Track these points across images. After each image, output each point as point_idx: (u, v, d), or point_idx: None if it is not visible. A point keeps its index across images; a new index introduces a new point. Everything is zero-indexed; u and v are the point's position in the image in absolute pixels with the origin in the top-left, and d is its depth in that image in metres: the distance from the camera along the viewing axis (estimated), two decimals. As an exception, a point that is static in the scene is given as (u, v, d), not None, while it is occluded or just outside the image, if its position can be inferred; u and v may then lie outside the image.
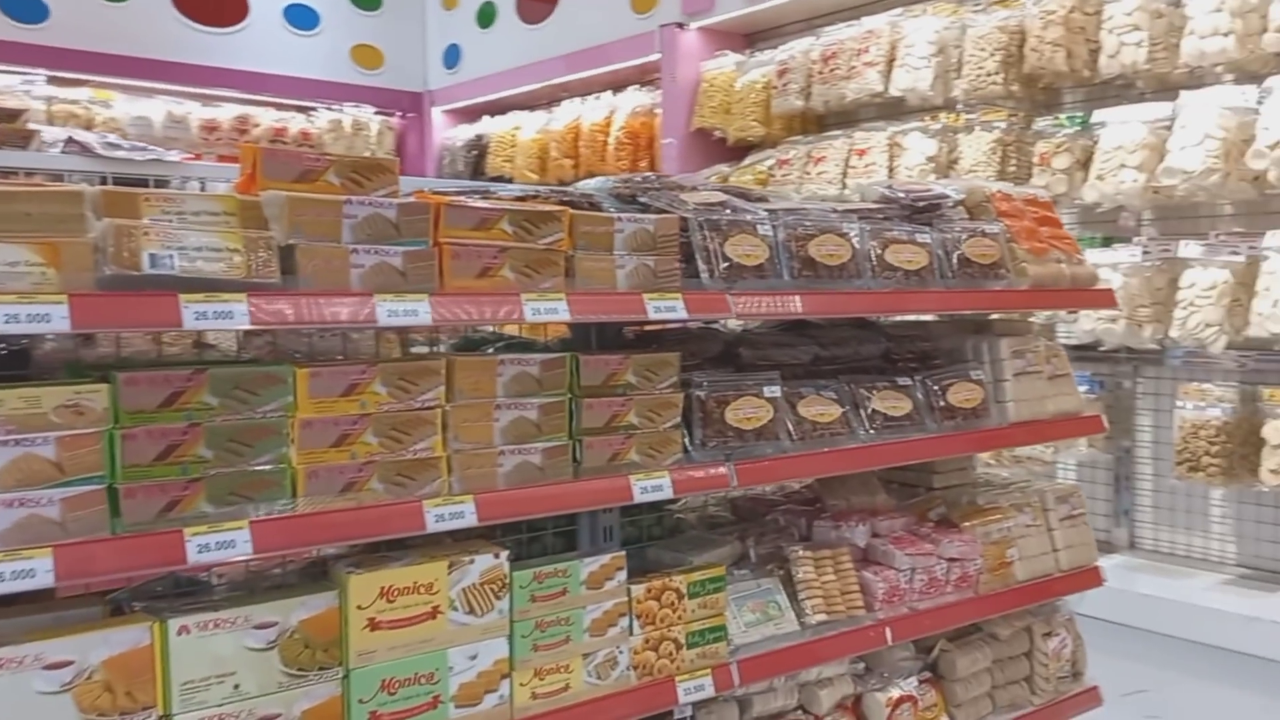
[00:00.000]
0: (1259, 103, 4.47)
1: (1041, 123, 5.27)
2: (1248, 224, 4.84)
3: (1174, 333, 4.71)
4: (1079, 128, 5.12)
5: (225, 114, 9.62)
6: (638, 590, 2.57)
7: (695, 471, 2.61)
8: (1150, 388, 5.29)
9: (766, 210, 2.88)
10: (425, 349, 3.06)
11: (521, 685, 2.37)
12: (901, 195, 3.24)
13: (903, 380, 3.11)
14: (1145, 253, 4.87)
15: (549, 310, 2.38)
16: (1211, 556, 5.04)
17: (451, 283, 2.27)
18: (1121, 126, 4.90)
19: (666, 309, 2.54)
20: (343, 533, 2.12)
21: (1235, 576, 4.88)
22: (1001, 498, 3.46)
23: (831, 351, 3.10)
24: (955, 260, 3.12)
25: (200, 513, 1.95)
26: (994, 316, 3.63)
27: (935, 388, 3.14)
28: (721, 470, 2.64)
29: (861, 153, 5.86)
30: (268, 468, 2.04)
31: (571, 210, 2.47)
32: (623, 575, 2.55)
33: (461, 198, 2.39)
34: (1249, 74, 4.74)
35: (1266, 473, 4.43)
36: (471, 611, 2.30)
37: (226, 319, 1.93)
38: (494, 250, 2.33)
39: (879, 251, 2.97)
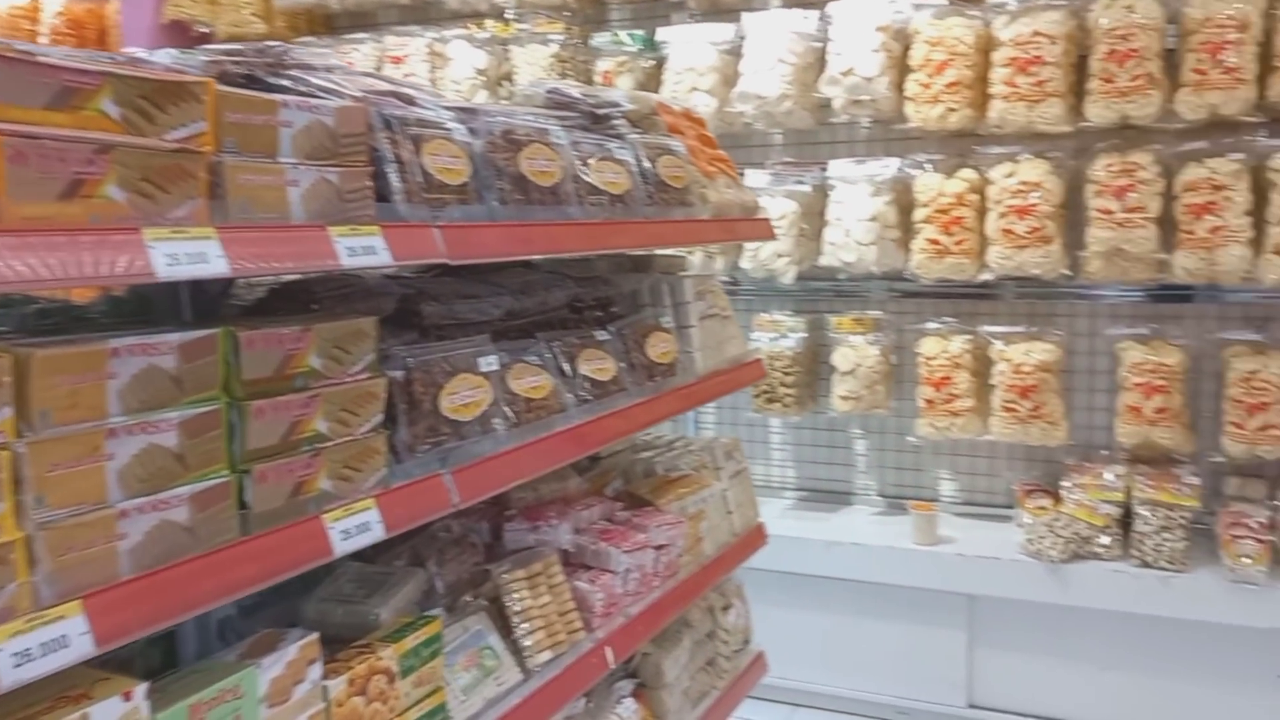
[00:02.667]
0: (822, 28, 4.34)
1: (600, 39, 4.76)
2: (802, 154, 4.76)
3: (745, 264, 4.51)
4: (641, 46, 4.69)
5: None
6: (336, 687, 1.63)
7: (409, 493, 1.71)
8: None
9: (446, 108, 1.99)
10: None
11: None
12: (577, 98, 2.50)
13: (600, 335, 2.41)
14: (716, 181, 4.60)
15: (192, 257, 1.33)
16: (773, 482, 5.02)
17: (12, 210, 1.16)
18: (687, 47, 4.54)
19: (364, 250, 1.59)
20: None
21: (796, 500, 4.89)
22: (679, 460, 2.92)
23: (521, 301, 2.30)
24: (653, 184, 2.47)
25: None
26: (662, 252, 3.05)
27: (631, 341, 2.49)
28: (441, 484, 1.77)
29: (397, 60, 4.94)
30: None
31: (217, 85, 1.42)
32: (317, 671, 1.59)
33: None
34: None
35: (837, 399, 4.42)
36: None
37: None
38: (88, 151, 1.23)
39: (583, 170, 2.22)
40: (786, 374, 4.52)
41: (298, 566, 1.50)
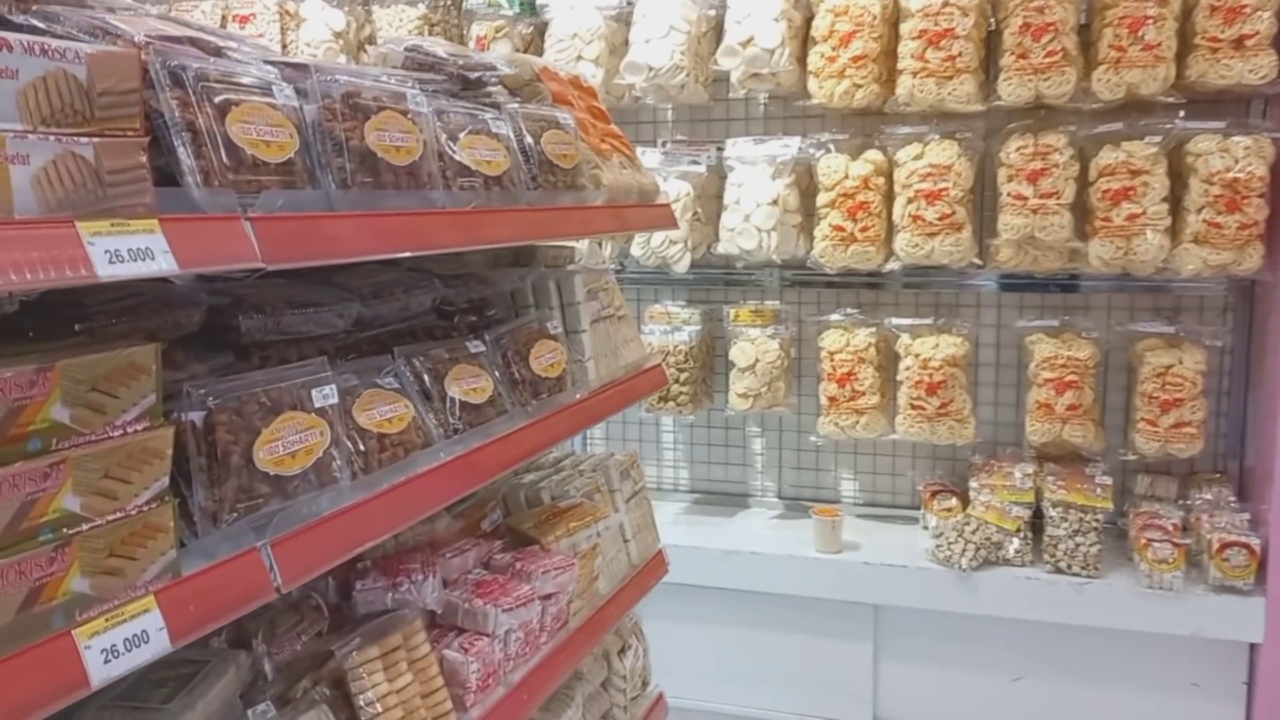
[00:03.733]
0: (718, -6, 3.95)
1: (474, 1, 4.28)
2: (697, 132, 4.37)
3: (636, 251, 4.10)
4: (520, 10, 4.22)
5: None
6: None
7: (209, 580, 1.25)
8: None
9: (269, 62, 1.52)
10: None
11: None
12: (444, 58, 2.04)
13: (474, 346, 1.97)
14: (602, 160, 4.18)
15: None
16: (665, 485, 4.65)
17: None
18: (572, 13, 4.10)
19: (134, 255, 1.12)
20: None
21: (690, 504, 4.54)
22: (568, 484, 2.50)
23: (374, 308, 1.84)
24: (536, 164, 2.03)
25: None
26: (547, 244, 2.61)
27: (512, 352, 2.06)
28: (257, 562, 1.31)
29: (244, 20, 4.35)
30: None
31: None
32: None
33: None
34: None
35: (735, 397, 4.06)
36: None
37: None
38: None
39: (450, 145, 1.78)
40: (680, 370, 4.14)
41: (36, 710, 1.04)
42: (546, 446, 2.08)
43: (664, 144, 4.21)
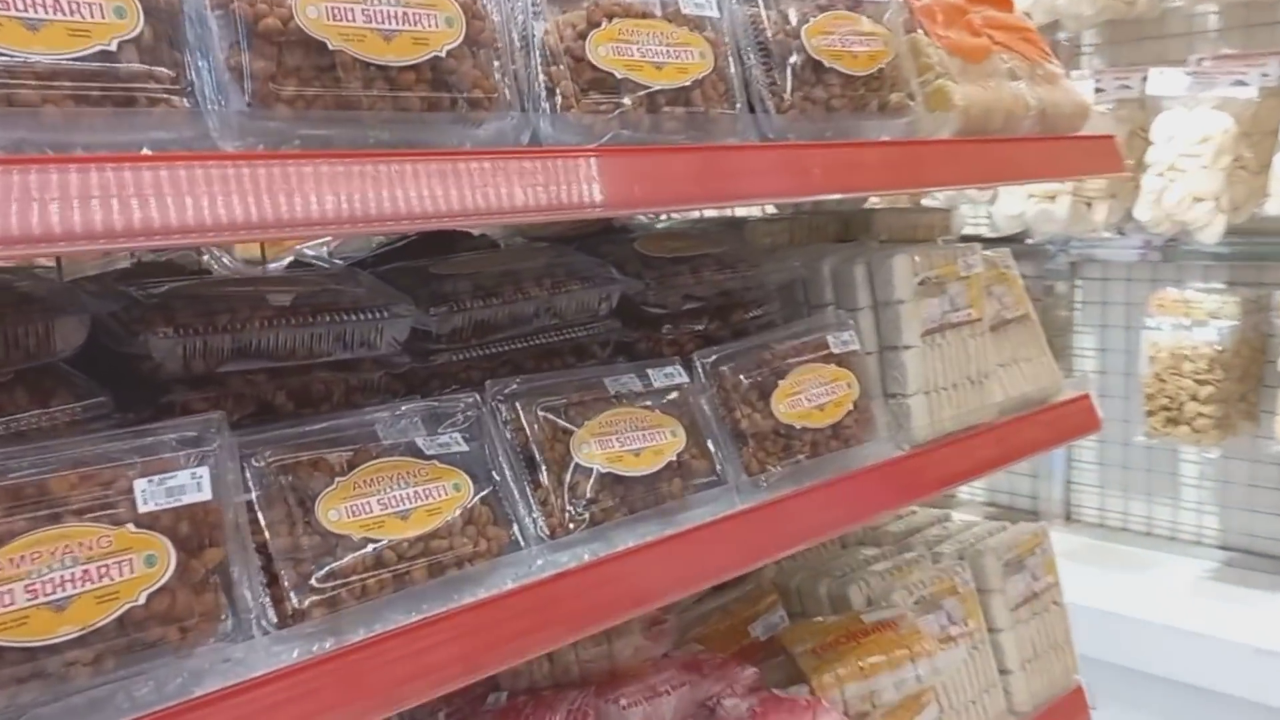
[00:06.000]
0: None
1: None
2: (1252, 40, 3.03)
3: (1141, 213, 2.90)
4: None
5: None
6: None
7: None
8: (1096, 295, 3.49)
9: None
10: None
11: None
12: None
13: (664, 375, 1.19)
14: (1098, 90, 3.01)
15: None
16: (1182, 534, 3.36)
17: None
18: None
19: None
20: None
21: (1219, 564, 3.22)
22: (903, 575, 1.61)
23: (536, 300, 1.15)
24: (796, 68, 1.19)
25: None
26: (873, 201, 1.73)
27: (747, 385, 1.24)
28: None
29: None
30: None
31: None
32: None
33: None
34: None
35: (1287, 426, 2.72)
36: None
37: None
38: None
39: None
40: (1202, 382, 2.88)
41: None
42: (801, 545, 1.24)
43: (1198, 61, 2.94)
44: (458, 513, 0.97)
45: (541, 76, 1.01)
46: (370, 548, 0.90)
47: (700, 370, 1.23)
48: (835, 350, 1.33)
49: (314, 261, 1.31)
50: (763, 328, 1.38)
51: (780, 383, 1.25)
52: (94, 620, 0.74)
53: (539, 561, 1.03)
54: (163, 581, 0.76)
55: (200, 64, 0.80)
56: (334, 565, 0.88)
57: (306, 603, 0.86)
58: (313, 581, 0.87)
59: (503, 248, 1.41)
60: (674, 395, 1.19)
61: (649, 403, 1.16)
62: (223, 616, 0.80)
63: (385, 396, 1.08)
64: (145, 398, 0.91)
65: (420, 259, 1.24)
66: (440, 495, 0.96)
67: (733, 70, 1.14)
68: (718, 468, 1.19)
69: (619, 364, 1.19)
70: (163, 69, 0.79)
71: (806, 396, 1.26)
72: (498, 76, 0.96)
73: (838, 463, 1.30)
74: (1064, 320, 3.57)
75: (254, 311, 0.97)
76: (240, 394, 0.97)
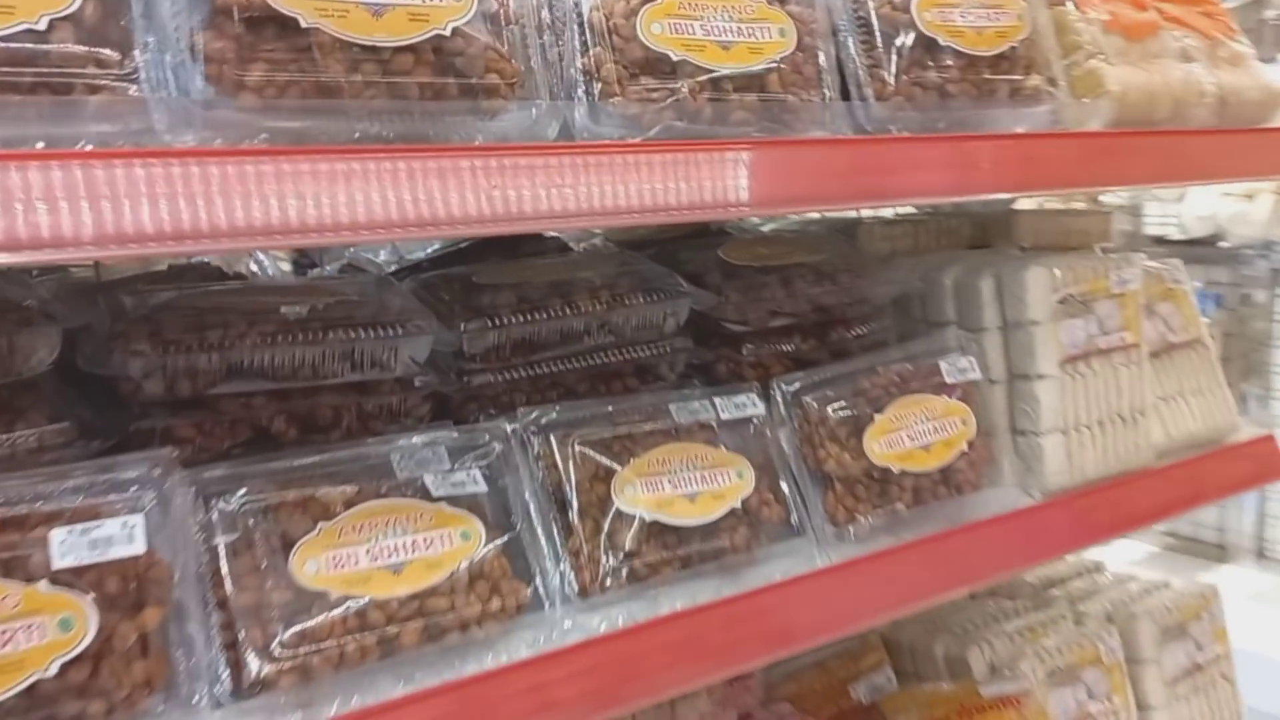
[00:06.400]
0: None
1: None
2: None
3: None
4: None
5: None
6: None
7: None
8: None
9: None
10: None
11: None
12: None
13: (733, 406, 1.03)
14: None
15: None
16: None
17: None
18: None
19: None
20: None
21: None
22: (1035, 637, 1.38)
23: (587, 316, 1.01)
24: (904, 48, 1.00)
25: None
26: (1020, 202, 1.50)
27: (834, 420, 1.06)
28: None
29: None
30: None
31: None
32: None
33: None
34: None
35: None
36: None
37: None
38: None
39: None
40: None
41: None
42: (871, 620, 1.05)
43: None
44: (463, 566, 0.84)
45: (580, 60, 0.86)
46: (349, 606, 0.78)
47: (779, 399, 1.05)
48: (949, 379, 1.13)
49: (366, 267, 1.20)
50: (867, 349, 1.19)
51: (877, 417, 1.06)
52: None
53: (566, 624, 0.89)
54: (80, 648, 0.66)
55: (150, 44, 0.69)
56: (305, 626, 0.76)
57: (270, 670, 0.74)
58: (277, 645, 0.75)
59: (574, 252, 1.27)
60: (746, 429, 1.02)
61: (712, 437, 1.00)
62: (162, 688, 0.69)
63: (410, 422, 0.96)
64: (118, 423, 0.82)
65: (475, 263, 1.11)
66: (444, 546, 0.83)
67: (821, 51, 0.96)
68: (793, 516, 1.02)
69: (680, 390, 1.03)
70: (106, 51, 0.68)
71: (909, 434, 1.07)
72: (520, 58, 0.81)
73: (947, 513, 1.11)
74: (1262, 333, 3.16)
75: (251, 326, 0.86)
76: (235, 419, 0.86)
